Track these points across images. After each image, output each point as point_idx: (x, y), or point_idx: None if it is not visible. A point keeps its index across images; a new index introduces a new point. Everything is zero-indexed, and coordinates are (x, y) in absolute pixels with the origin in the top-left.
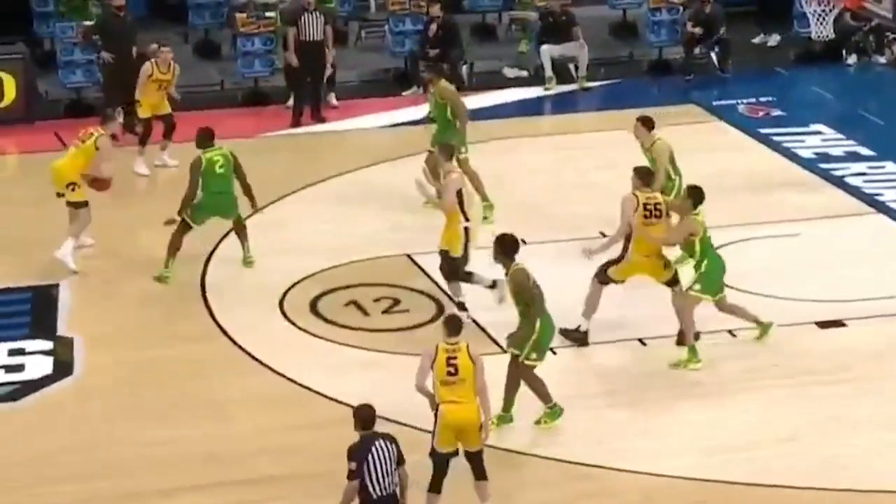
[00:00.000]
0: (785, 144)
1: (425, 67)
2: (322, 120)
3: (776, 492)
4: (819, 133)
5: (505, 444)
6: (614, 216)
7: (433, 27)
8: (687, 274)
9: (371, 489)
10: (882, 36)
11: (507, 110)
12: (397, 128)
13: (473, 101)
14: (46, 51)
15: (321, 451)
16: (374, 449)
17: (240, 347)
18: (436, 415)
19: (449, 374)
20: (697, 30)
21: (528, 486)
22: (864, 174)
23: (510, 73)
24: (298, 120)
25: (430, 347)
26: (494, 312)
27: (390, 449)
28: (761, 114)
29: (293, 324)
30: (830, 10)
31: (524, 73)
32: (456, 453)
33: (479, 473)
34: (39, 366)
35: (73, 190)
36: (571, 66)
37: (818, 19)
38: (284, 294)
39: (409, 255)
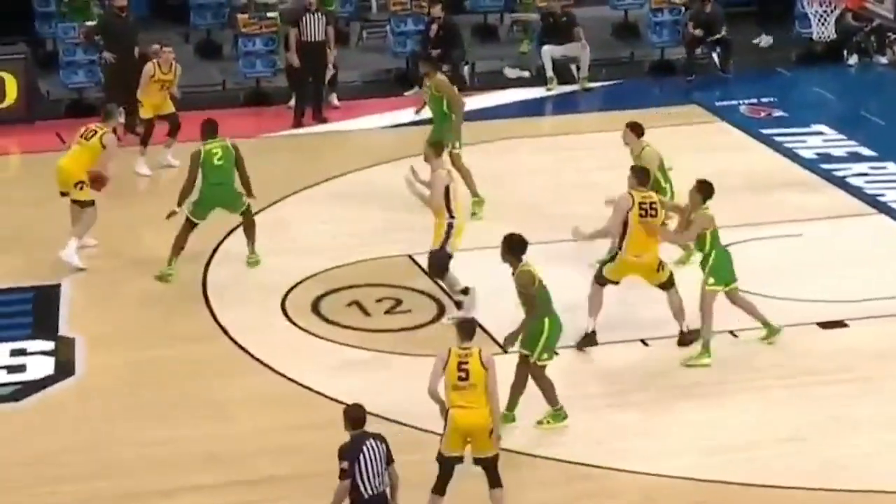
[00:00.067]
0: (786, 145)
1: (421, 61)
2: (323, 120)
3: (776, 492)
4: (820, 133)
5: (505, 443)
6: None
7: (434, 27)
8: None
9: (362, 488)
10: (883, 36)
11: (508, 111)
12: (399, 128)
13: (475, 102)
14: (48, 51)
15: (321, 451)
16: (365, 448)
17: (241, 347)
18: (445, 419)
19: (460, 378)
20: (697, 32)
21: (528, 486)
22: (865, 175)
23: (511, 73)
24: (300, 120)
25: (443, 351)
26: (495, 313)
27: (380, 448)
28: (763, 114)
29: (294, 324)
30: (832, 11)
31: (525, 74)
32: (461, 459)
33: (494, 481)
34: (41, 366)
35: (80, 189)
36: (573, 67)
37: (819, 20)
38: (286, 294)
39: (410, 256)
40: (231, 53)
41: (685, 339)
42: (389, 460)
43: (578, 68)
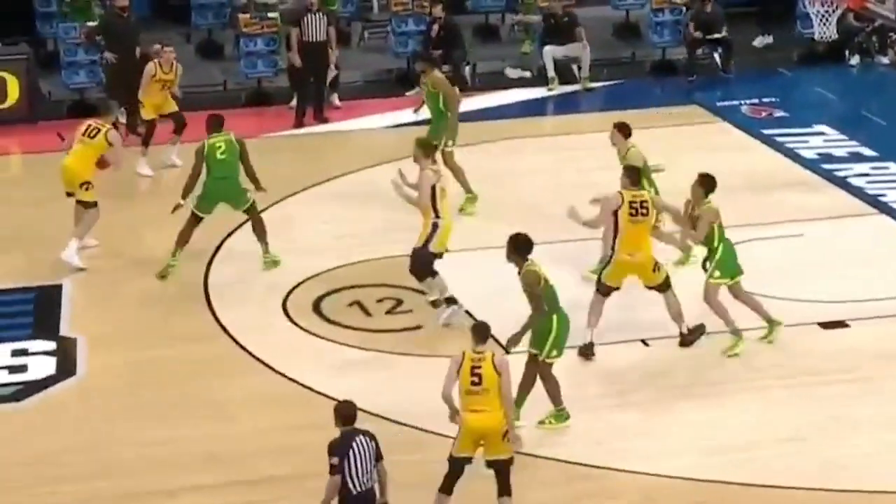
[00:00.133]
0: (788, 145)
1: (418, 58)
2: (325, 120)
3: (776, 492)
4: (822, 134)
5: None
6: None
7: (435, 28)
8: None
9: (351, 485)
10: (885, 36)
11: (509, 111)
12: (400, 128)
13: (476, 102)
14: (50, 51)
15: (322, 452)
16: (354, 445)
17: (241, 347)
18: (457, 422)
19: (473, 383)
20: (697, 33)
21: (529, 486)
22: (866, 175)
23: (513, 73)
24: (301, 120)
25: (458, 355)
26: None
27: (370, 445)
28: (764, 114)
29: (295, 324)
30: (833, 11)
31: (527, 74)
32: (471, 460)
33: (504, 488)
34: (42, 366)
35: (86, 189)
36: (574, 67)
37: (821, 20)
38: (287, 294)
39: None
40: (232, 53)
41: (686, 339)
42: (378, 457)
43: (580, 68)
